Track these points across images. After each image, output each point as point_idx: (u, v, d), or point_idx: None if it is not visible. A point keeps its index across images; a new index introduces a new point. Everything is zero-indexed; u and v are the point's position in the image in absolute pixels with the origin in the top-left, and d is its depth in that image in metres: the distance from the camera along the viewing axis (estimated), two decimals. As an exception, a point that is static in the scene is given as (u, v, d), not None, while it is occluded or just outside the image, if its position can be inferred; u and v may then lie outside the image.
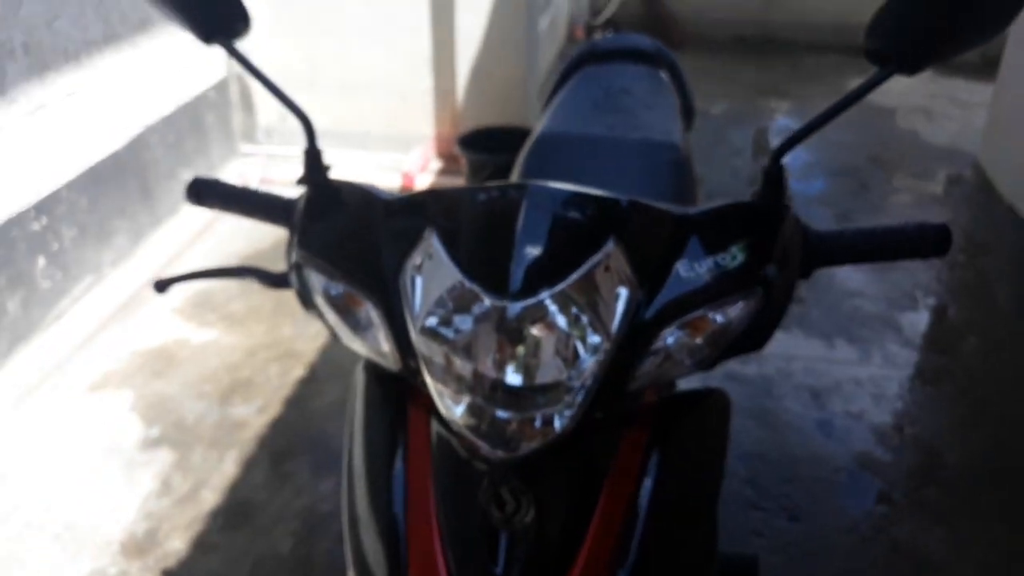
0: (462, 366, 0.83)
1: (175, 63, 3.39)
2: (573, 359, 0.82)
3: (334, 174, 1.03)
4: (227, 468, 2.25)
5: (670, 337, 0.85)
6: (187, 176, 3.49)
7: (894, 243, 0.92)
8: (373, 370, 1.07)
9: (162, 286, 1.10)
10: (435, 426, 0.96)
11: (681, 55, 2.14)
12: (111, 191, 3.01)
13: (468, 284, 0.82)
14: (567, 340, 0.81)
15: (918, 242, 0.91)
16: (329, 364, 2.63)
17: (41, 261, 2.67)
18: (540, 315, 0.80)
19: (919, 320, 2.93)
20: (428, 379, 0.86)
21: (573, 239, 0.84)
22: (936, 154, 4.27)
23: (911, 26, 0.79)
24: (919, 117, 4.70)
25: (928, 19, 0.78)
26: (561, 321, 0.81)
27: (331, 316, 0.95)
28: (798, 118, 4.76)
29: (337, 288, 0.93)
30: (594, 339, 0.82)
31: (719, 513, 0.99)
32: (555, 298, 0.80)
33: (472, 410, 0.83)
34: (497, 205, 0.86)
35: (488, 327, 0.81)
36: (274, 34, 3.72)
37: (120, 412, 2.44)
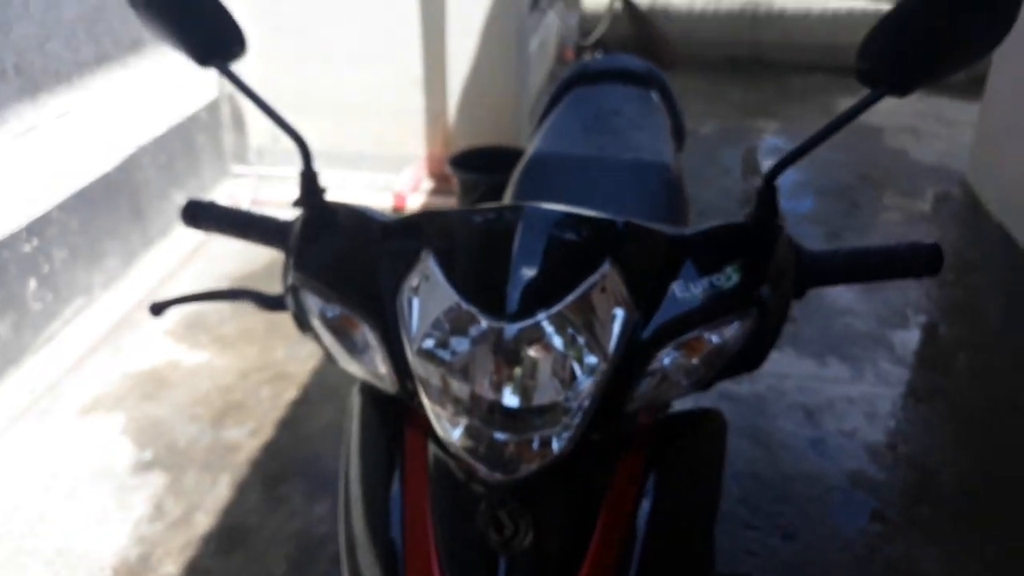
0: (459, 388, 0.83)
1: (167, 84, 3.39)
2: (570, 380, 0.82)
3: (329, 196, 1.03)
4: (220, 491, 2.23)
5: (666, 358, 0.86)
6: (179, 197, 3.50)
7: (886, 263, 0.93)
8: (369, 392, 1.06)
9: (158, 309, 1.10)
10: (432, 448, 0.96)
11: (671, 75, 2.15)
12: (102, 212, 3.01)
13: (465, 306, 0.82)
14: (564, 361, 0.81)
15: (910, 262, 0.92)
16: (321, 386, 2.63)
17: (32, 283, 2.66)
18: (537, 336, 0.80)
19: (910, 338, 2.94)
20: (425, 401, 0.86)
21: (569, 260, 0.84)
22: (924, 172, 4.31)
23: (901, 48, 0.80)
24: (907, 136, 4.74)
25: (918, 41, 0.79)
26: (558, 342, 0.81)
27: (327, 338, 0.95)
28: (787, 137, 4.80)
29: (333, 310, 0.93)
30: (591, 360, 0.82)
31: (716, 533, 0.99)
32: (552, 319, 0.80)
33: (470, 432, 0.83)
34: (493, 227, 0.87)
35: (485, 349, 0.81)
36: (266, 55, 3.73)
37: (112, 435, 2.43)
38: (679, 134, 2.01)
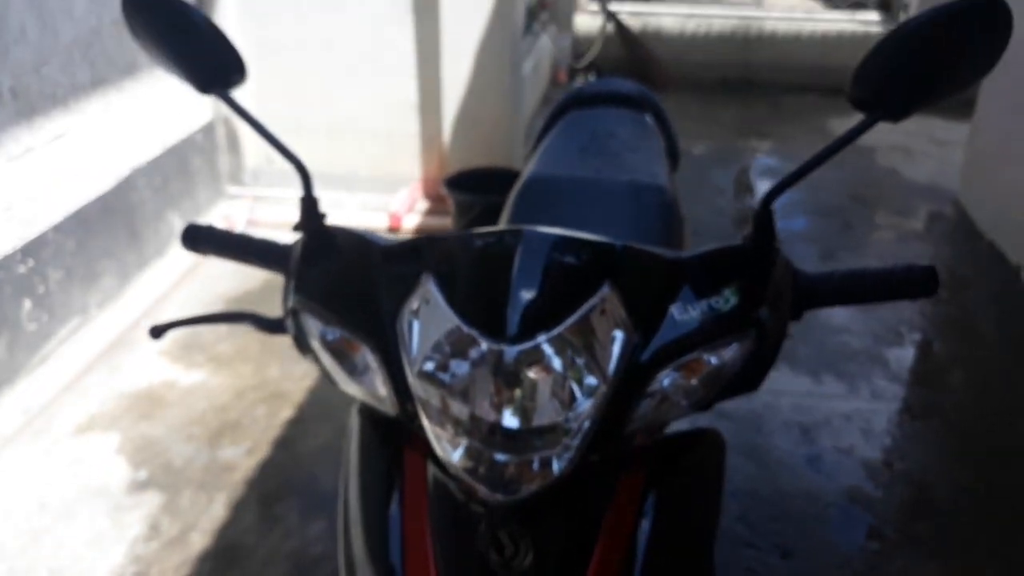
0: (459, 410, 0.83)
1: (162, 106, 3.41)
2: (570, 402, 0.82)
3: (329, 220, 1.04)
4: (216, 511, 2.23)
5: (666, 379, 0.86)
6: (174, 218, 3.51)
7: (882, 285, 0.94)
8: (368, 414, 1.07)
9: (158, 332, 1.11)
10: (432, 470, 0.96)
11: (663, 97, 2.17)
12: (98, 233, 3.01)
13: (465, 328, 0.82)
14: (564, 383, 0.82)
15: (906, 284, 0.93)
16: (317, 405, 2.62)
17: (27, 304, 2.66)
18: (537, 358, 0.81)
19: (905, 355, 2.96)
20: (425, 423, 0.86)
21: (568, 283, 0.85)
22: (916, 192, 4.34)
23: (895, 75, 0.81)
24: (899, 155, 4.78)
25: (912, 67, 0.80)
26: (558, 364, 0.82)
27: (327, 361, 0.96)
28: (779, 157, 4.83)
29: (334, 333, 0.94)
30: (591, 382, 0.82)
31: (716, 552, 0.99)
32: (552, 342, 0.81)
33: (470, 453, 0.84)
34: (493, 250, 0.87)
35: (485, 371, 0.82)
36: (261, 77, 3.75)
37: (107, 455, 2.42)
38: (674, 156, 2.03)
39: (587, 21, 6.23)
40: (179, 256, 3.40)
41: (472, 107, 3.81)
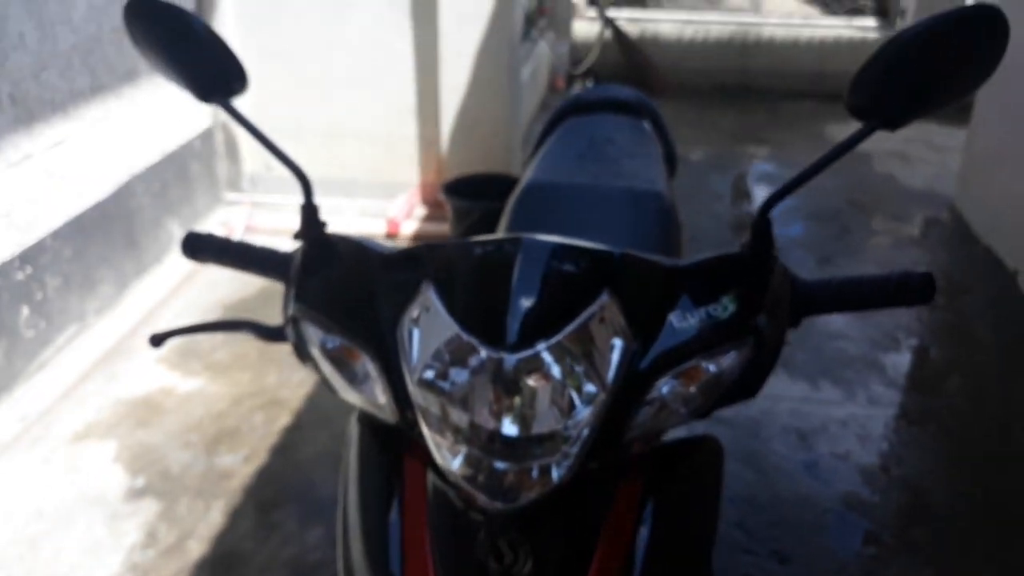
0: (459, 417, 0.84)
1: (161, 113, 3.41)
2: (569, 409, 0.83)
3: (330, 228, 1.04)
4: (214, 518, 2.22)
5: (664, 387, 0.87)
6: (172, 224, 3.51)
7: (880, 292, 0.94)
8: (368, 421, 1.07)
9: (158, 340, 1.11)
10: (431, 477, 0.96)
11: (661, 103, 2.18)
12: (96, 240, 3.01)
13: (465, 336, 0.83)
14: (563, 391, 0.82)
15: (903, 290, 0.93)
16: (315, 412, 2.62)
17: (25, 311, 2.66)
18: (536, 366, 0.81)
19: (902, 361, 2.96)
20: (425, 430, 0.86)
21: (567, 291, 0.85)
22: (913, 197, 4.35)
23: (892, 83, 0.81)
24: (895, 161, 4.79)
25: (909, 76, 0.80)
26: (557, 372, 0.82)
27: (327, 369, 0.96)
28: (776, 163, 4.84)
29: (334, 341, 0.94)
30: (590, 389, 0.83)
31: (714, 559, 1.00)
32: (551, 350, 0.81)
33: (469, 461, 0.84)
34: (492, 258, 0.88)
35: (484, 379, 0.82)
36: (260, 82, 3.74)
37: (104, 462, 2.42)
38: (671, 162, 2.03)
39: (585, 27, 6.24)
40: (177, 263, 3.40)
41: (470, 113, 3.81)
